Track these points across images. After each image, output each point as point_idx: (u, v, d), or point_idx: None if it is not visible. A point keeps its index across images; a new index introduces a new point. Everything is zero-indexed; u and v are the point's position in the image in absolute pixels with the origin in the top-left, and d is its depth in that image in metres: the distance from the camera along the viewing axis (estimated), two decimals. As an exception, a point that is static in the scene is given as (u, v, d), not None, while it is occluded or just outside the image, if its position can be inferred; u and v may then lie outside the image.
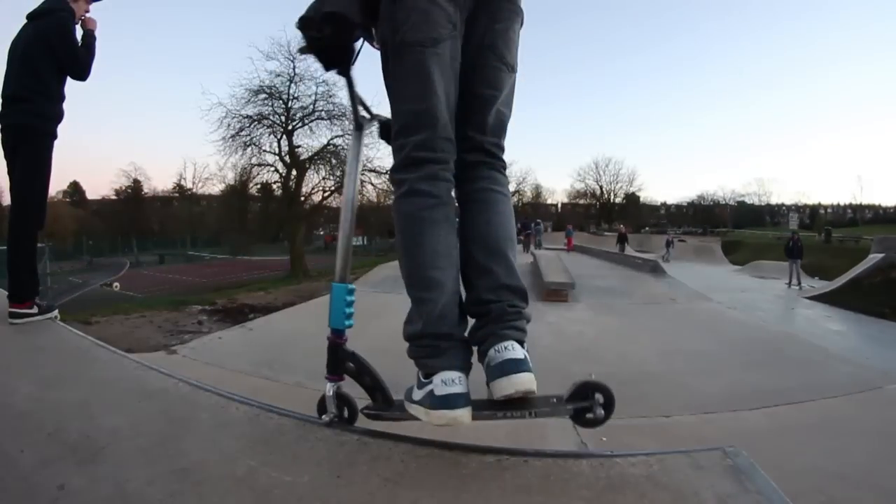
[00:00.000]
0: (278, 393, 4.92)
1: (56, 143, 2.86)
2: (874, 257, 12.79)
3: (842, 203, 57.11)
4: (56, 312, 2.87)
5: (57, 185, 57.23)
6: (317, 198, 25.84)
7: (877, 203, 54.81)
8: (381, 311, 9.58)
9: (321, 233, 58.63)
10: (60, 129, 2.88)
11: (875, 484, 3.35)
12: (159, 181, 77.99)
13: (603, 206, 63.93)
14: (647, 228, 52.43)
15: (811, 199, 59.60)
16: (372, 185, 25.52)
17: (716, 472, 1.31)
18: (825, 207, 57.80)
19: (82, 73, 2.86)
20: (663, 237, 41.14)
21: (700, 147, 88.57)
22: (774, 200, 60.97)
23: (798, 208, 58.07)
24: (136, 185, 58.98)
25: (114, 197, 58.76)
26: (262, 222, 32.93)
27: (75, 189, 60.42)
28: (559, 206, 67.49)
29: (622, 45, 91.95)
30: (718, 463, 1.35)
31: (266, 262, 35.17)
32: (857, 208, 53.38)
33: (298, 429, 1.60)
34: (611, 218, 62.01)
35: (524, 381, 1.47)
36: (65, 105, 2.90)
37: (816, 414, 4.79)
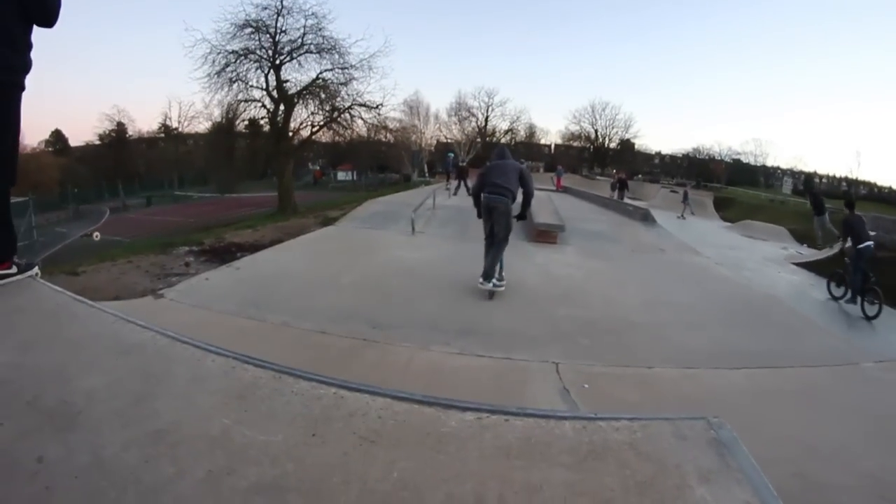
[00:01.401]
0: (264, 333, 4.96)
1: (34, 92, 2.66)
2: None
3: (837, 175, 56.83)
4: (36, 269, 2.76)
5: (38, 135, 56.02)
6: (305, 133, 25.32)
7: (872, 181, 54.56)
8: (368, 247, 9.67)
9: (312, 167, 57.98)
10: (36, 78, 2.68)
11: (846, 462, 3.38)
12: (144, 122, 75.91)
13: (597, 149, 63.21)
14: (639, 176, 52.08)
15: (807, 167, 59.19)
16: (362, 119, 25.00)
17: (699, 443, 1.29)
18: (820, 177, 57.48)
19: (50, 18, 2.62)
20: (656, 186, 40.82)
21: (701, 101, 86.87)
22: (770, 163, 60.49)
23: (793, 173, 57.79)
24: (120, 128, 57.33)
25: (98, 142, 57.18)
26: (250, 159, 32.43)
27: (57, 138, 58.50)
28: (552, 146, 66.63)
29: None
30: (702, 434, 1.34)
31: (254, 198, 34.83)
32: (852, 183, 53.09)
33: (274, 381, 1.55)
34: (604, 162, 61.55)
35: None
36: (34, 54, 2.67)
37: (794, 382, 4.85)
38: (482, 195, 6.73)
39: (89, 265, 7.43)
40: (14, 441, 1.30)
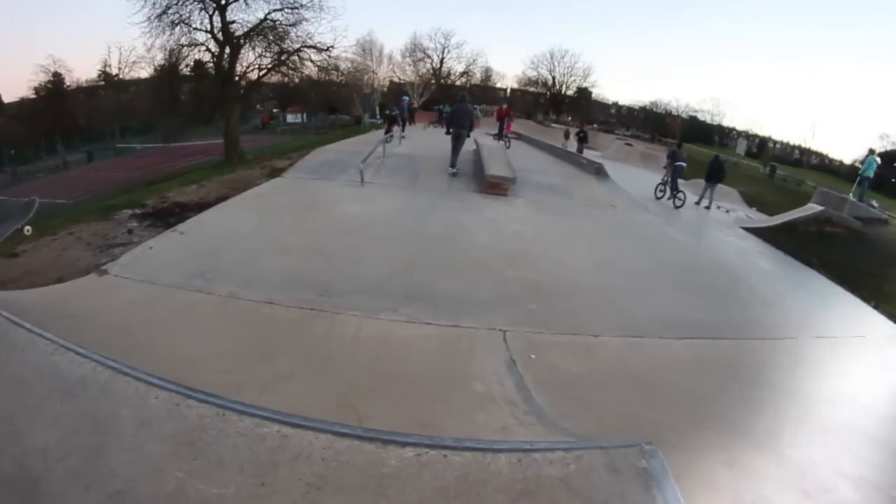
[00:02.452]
0: (212, 308, 4.90)
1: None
2: (813, 207, 13.11)
3: (791, 143, 58.32)
4: None
5: None
6: (253, 76, 24.20)
7: (824, 152, 56.30)
8: (316, 202, 9.51)
9: (260, 109, 55.58)
10: None
11: (779, 452, 3.42)
12: (82, 72, 69.81)
13: (553, 96, 63.02)
14: (595, 126, 52.33)
15: (762, 131, 60.34)
16: (311, 61, 24.09)
17: (629, 476, 1.37)
18: (774, 142, 58.89)
19: None
20: (611, 137, 40.97)
21: (661, 53, 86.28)
22: (727, 123, 61.49)
23: (748, 136, 59.03)
24: (57, 79, 53.06)
25: (33, 96, 52.90)
26: (196, 105, 30.85)
27: None
28: (508, 90, 65.91)
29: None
30: (633, 463, 1.41)
31: (200, 146, 33.52)
32: (805, 151, 54.73)
33: (219, 420, 1.56)
34: (559, 110, 61.47)
35: None
36: None
37: (735, 354, 5.01)
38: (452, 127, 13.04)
39: (29, 242, 7.08)
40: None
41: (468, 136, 12.93)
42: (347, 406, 3.25)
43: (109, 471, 1.38)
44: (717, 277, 7.62)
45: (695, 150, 43.59)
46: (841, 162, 52.47)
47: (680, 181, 14.52)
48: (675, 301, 6.22)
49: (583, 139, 26.24)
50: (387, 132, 20.42)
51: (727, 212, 15.83)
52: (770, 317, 6.31)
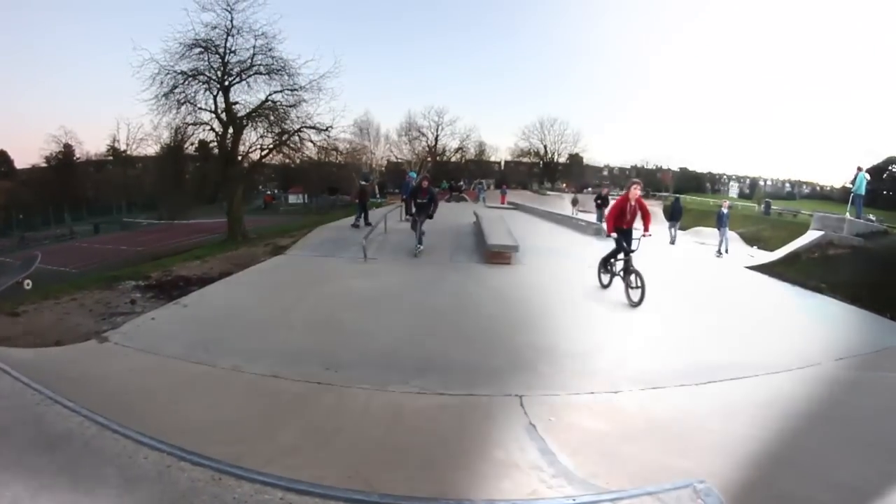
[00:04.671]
0: (214, 381, 4.71)
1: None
2: (813, 234, 13.10)
3: (781, 178, 59.54)
4: None
5: None
6: (255, 156, 24.85)
7: (813, 181, 57.50)
8: (320, 277, 9.45)
9: (263, 190, 56.72)
10: None
11: (826, 477, 3.31)
12: (92, 144, 72.00)
13: (546, 165, 64.41)
14: (589, 189, 53.29)
15: (752, 171, 61.65)
16: (312, 142, 24.75)
17: None
18: (765, 180, 60.13)
19: None
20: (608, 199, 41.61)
21: (646, 111, 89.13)
22: (716, 169, 62.87)
23: (739, 178, 60.14)
24: (67, 149, 54.66)
25: (44, 164, 54.50)
26: (200, 184, 31.52)
27: (2, 159, 55.44)
28: (502, 163, 67.29)
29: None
30: None
31: (204, 225, 33.87)
32: (795, 183, 55.96)
33: (213, 485, 1.36)
34: (554, 177, 62.62)
35: None
36: None
37: (763, 392, 4.85)
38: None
39: (31, 303, 6.99)
40: None
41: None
42: (359, 478, 2.99)
43: (84, 542, 1.18)
44: (729, 318, 7.55)
45: (688, 199, 44.35)
46: (832, 187, 52.96)
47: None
48: (692, 347, 6.13)
49: (602, 205, 22.27)
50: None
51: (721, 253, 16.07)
52: (790, 348, 6.21)
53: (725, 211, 17.06)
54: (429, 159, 56.90)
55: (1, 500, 1.31)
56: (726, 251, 16.34)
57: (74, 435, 1.61)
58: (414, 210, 11.85)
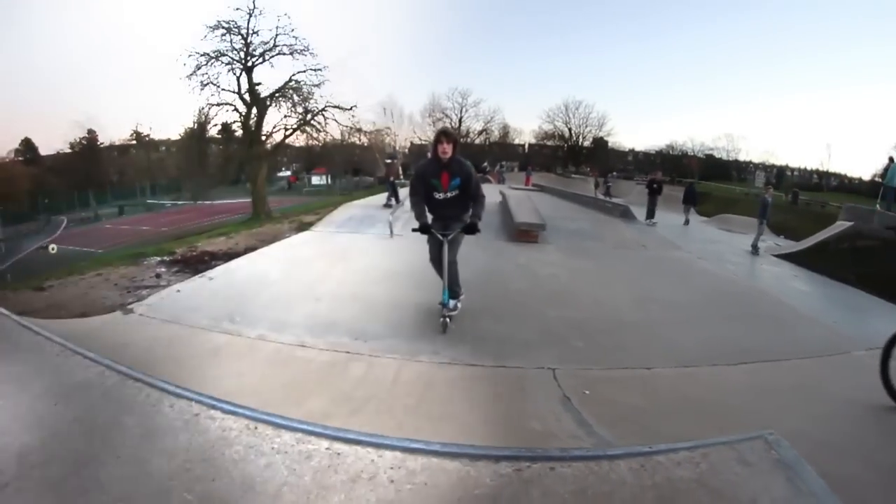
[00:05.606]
0: (240, 349, 4.62)
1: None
2: (842, 224, 12.84)
3: (809, 168, 57.89)
4: None
5: (7, 143, 53.25)
6: (279, 136, 24.84)
7: (843, 172, 55.72)
8: (346, 252, 9.34)
9: (285, 171, 56.99)
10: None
11: (865, 456, 3.29)
12: (115, 129, 73.28)
13: (571, 148, 63.43)
14: (614, 173, 52.47)
15: (779, 160, 59.98)
16: (336, 121, 24.63)
17: (765, 468, 1.12)
18: (792, 170, 58.51)
19: None
20: (631, 183, 41.01)
21: (673, 97, 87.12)
22: (742, 157, 61.21)
23: (765, 167, 58.59)
24: (91, 135, 55.69)
25: (68, 150, 55.37)
26: (223, 165, 31.75)
27: (27, 146, 56.40)
28: (526, 146, 66.49)
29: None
30: (764, 456, 1.18)
31: (228, 205, 34.21)
32: (824, 175, 54.33)
33: (248, 434, 1.20)
34: (578, 161, 61.72)
35: None
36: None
37: (793, 375, 4.76)
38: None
39: (57, 279, 7.00)
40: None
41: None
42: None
43: (96, 485, 1.08)
44: (758, 303, 7.53)
45: (713, 186, 43.42)
46: (860, 179, 51.57)
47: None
48: (722, 328, 6.04)
49: (657, 190, 19.28)
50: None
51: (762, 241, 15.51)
52: (819, 335, 6.17)
53: (770, 199, 14.49)
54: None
55: (7, 453, 1.18)
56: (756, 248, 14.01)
57: (93, 384, 1.50)
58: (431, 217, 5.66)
